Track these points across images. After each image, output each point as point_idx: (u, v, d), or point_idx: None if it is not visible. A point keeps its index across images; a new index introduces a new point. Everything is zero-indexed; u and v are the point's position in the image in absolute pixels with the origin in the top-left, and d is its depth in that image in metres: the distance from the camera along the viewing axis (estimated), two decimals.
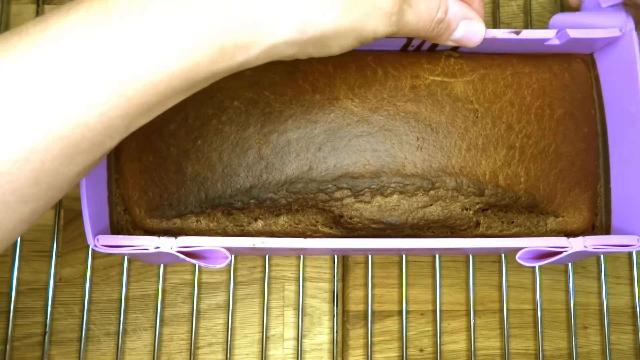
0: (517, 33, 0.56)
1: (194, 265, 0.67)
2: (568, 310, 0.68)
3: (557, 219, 0.59)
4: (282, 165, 0.56)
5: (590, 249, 0.55)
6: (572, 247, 0.55)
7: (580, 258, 0.65)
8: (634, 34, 0.56)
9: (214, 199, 0.56)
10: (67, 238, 0.68)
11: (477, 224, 0.58)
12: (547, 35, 0.57)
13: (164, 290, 0.68)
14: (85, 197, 0.53)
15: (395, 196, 0.56)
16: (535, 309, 0.69)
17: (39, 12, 0.70)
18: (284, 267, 0.68)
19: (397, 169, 0.56)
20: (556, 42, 0.58)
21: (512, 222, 0.59)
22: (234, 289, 0.68)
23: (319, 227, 0.57)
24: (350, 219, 0.56)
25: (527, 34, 0.57)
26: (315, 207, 0.56)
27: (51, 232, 0.67)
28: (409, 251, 0.65)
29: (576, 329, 0.68)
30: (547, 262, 0.56)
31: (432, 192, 0.56)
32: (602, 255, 0.69)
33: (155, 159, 0.57)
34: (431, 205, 0.56)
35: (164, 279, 0.68)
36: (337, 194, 0.56)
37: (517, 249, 0.55)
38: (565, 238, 0.55)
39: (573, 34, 0.56)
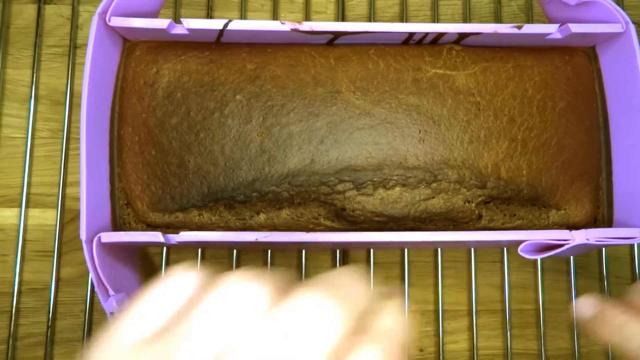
0: (519, 28, 0.56)
1: (197, 265, 0.67)
2: (569, 310, 0.68)
3: (559, 211, 0.59)
4: (284, 158, 0.56)
5: (592, 241, 0.55)
6: (574, 240, 0.55)
7: (582, 251, 0.65)
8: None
9: (217, 192, 0.56)
10: (68, 238, 0.67)
11: (480, 216, 0.58)
12: (548, 29, 0.57)
13: None
14: (85, 192, 0.53)
15: (397, 189, 0.56)
16: (536, 309, 0.68)
17: (39, 12, 0.70)
18: (285, 267, 0.68)
19: (399, 161, 0.56)
20: (558, 36, 0.58)
21: (514, 214, 0.59)
22: None
23: (321, 220, 0.57)
24: (353, 212, 0.56)
25: (529, 28, 0.57)
26: (318, 200, 0.56)
27: (52, 232, 0.67)
28: (411, 244, 0.65)
29: (578, 329, 0.68)
30: (549, 254, 0.56)
31: (434, 184, 0.56)
32: (603, 255, 0.69)
33: (157, 152, 0.57)
34: (433, 197, 0.56)
35: None
36: (340, 187, 0.56)
37: (519, 242, 0.55)
38: (567, 231, 0.55)
39: (575, 28, 0.57)
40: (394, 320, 0.35)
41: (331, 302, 0.33)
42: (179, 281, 0.35)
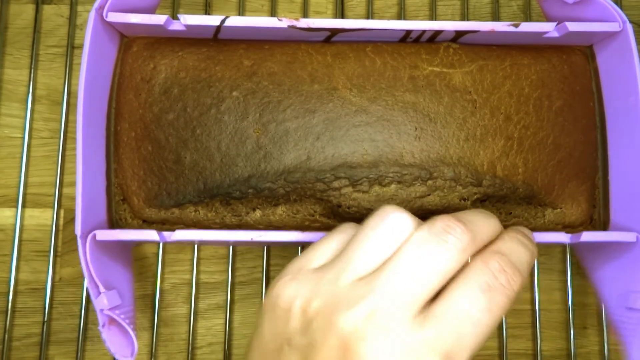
0: (516, 26, 0.56)
1: (193, 265, 0.67)
2: (567, 310, 0.68)
3: (555, 210, 0.59)
4: (280, 154, 0.56)
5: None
6: (569, 242, 0.55)
7: None
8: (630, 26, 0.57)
9: (213, 188, 0.56)
10: (67, 238, 0.68)
11: None
12: (545, 28, 0.57)
13: (163, 291, 0.67)
14: (81, 187, 0.53)
15: (393, 186, 0.56)
16: (533, 309, 0.68)
17: (38, 12, 0.70)
18: (283, 267, 0.68)
19: (395, 158, 0.56)
20: (555, 34, 0.58)
21: (510, 213, 0.59)
22: (234, 289, 0.67)
23: (317, 217, 0.57)
24: (349, 208, 0.56)
25: (526, 27, 0.57)
26: (314, 196, 0.56)
27: (51, 232, 0.67)
28: None
29: (575, 329, 0.67)
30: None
31: (430, 182, 0.56)
32: None
33: (154, 148, 0.57)
34: (429, 195, 0.56)
35: (163, 279, 0.67)
36: (335, 184, 0.56)
37: None
38: (563, 233, 0.55)
39: (572, 27, 0.57)
40: (514, 244, 0.45)
41: (460, 227, 0.42)
42: (342, 230, 0.47)
